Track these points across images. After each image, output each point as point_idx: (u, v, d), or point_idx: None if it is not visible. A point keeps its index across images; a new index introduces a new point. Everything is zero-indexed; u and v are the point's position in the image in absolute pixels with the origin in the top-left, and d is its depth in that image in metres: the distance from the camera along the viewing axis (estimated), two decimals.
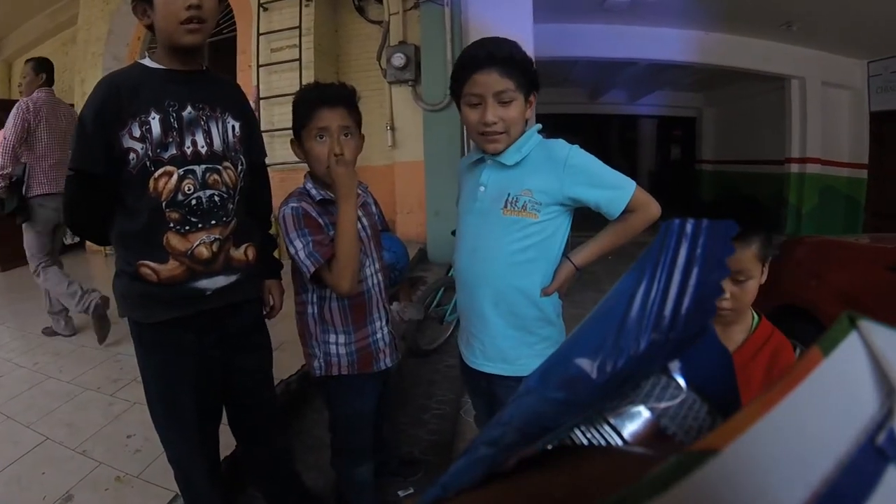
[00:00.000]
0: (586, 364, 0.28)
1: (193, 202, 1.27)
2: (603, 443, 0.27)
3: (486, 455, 0.27)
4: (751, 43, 6.61)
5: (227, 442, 1.59)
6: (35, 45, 7.31)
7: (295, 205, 1.35)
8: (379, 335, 1.50)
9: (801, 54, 6.80)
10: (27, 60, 3.18)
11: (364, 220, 1.47)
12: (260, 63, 5.23)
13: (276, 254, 1.64)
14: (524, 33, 3.65)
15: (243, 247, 1.39)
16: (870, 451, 0.18)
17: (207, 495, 1.47)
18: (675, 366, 0.28)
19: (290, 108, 1.41)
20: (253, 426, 1.58)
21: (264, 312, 1.58)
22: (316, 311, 1.44)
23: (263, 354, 1.55)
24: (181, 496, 1.54)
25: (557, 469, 0.25)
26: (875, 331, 0.20)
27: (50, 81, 3.19)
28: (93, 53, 5.90)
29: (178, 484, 1.50)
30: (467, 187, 1.35)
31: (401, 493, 1.89)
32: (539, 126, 1.25)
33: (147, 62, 1.29)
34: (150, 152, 1.22)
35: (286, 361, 2.49)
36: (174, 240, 1.26)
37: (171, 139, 1.24)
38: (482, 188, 1.26)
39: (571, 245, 1.27)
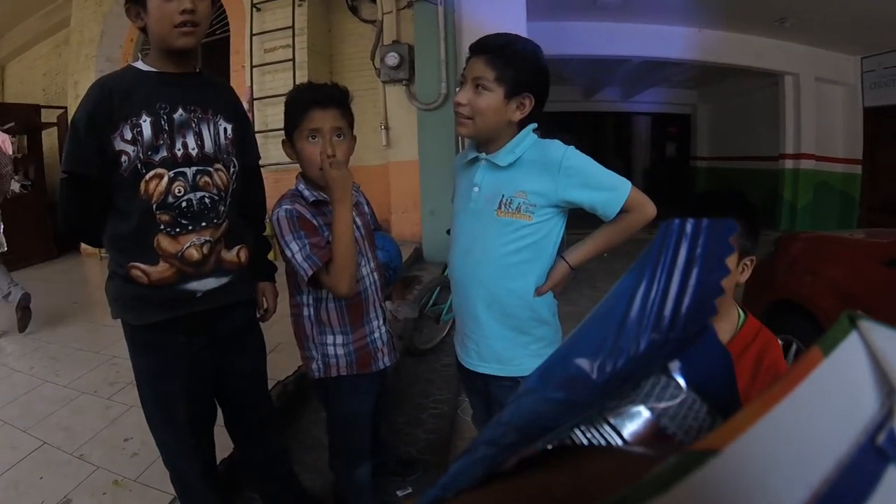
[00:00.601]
0: (586, 364, 0.28)
1: (184, 204, 1.26)
2: (603, 443, 0.26)
3: (486, 455, 0.27)
4: (744, 39, 6.64)
5: (224, 444, 1.58)
6: (28, 48, 7.28)
7: (289, 207, 1.33)
8: (377, 334, 1.50)
9: (795, 50, 6.84)
10: None
11: (358, 220, 1.47)
12: (253, 63, 5.22)
13: (269, 256, 1.63)
14: (517, 31, 3.62)
15: (235, 249, 1.38)
16: (870, 451, 0.18)
17: (204, 498, 1.47)
18: (675, 366, 0.28)
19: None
20: (248, 427, 1.57)
21: (258, 315, 1.57)
22: (312, 312, 1.43)
23: (257, 356, 1.55)
24: (178, 500, 1.54)
25: (557, 469, 0.25)
26: (875, 331, 0.20)
27: None
28: (86, 55, 5.88)
29: (175, 487, 1.49)
30: (462, 186, 1.34)
31: (399, 493, 1.89)
32: (534, 125, 1.24)
33: (140, 65, 1.28)
34: (141, 155, 1.22)
35: (283, 363, 2.48)
36: (164, 242, 1.25)
37: (161, 141, 1.23)
38: (476, 189, 1.26)
39: (567, 242, 1.27)
